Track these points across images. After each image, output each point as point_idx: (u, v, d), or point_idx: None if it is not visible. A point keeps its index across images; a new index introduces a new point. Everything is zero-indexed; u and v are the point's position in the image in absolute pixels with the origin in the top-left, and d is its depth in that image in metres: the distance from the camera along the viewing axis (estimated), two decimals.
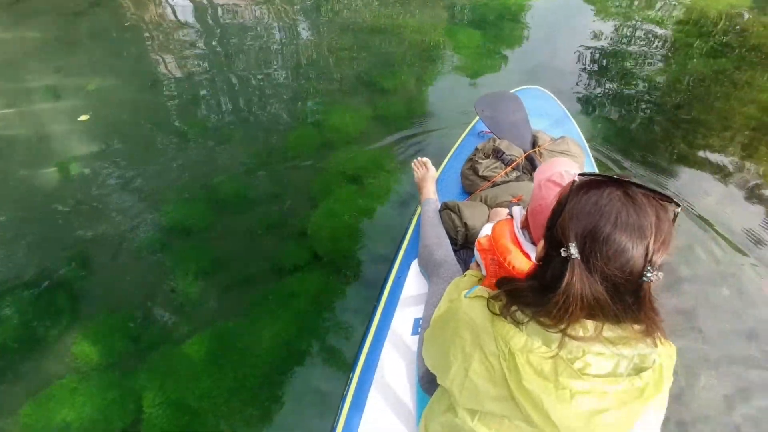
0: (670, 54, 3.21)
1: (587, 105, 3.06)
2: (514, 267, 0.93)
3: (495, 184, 1.70)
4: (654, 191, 0.66)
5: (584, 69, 3.34)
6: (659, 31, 3.48)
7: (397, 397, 1.26)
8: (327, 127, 2.81)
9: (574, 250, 0.64)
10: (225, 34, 3.73)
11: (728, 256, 2.11)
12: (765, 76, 2.88)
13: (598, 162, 2.51)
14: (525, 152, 1.79)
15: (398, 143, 2.72)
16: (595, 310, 0.64)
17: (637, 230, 0.62)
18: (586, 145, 2.15)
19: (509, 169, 1.72)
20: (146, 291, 1.98)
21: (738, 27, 3.30)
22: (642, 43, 3.42)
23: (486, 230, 1.14)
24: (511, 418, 0.72)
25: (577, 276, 0.63)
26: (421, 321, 1.33)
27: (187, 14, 3.96)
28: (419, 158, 1.73)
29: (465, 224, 1.47)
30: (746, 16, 3.35)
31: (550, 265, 0.68)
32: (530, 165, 1.77)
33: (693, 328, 1.84)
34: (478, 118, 2.10)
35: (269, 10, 4.02)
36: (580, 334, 0.66)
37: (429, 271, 1.39)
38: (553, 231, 0.69)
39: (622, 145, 2.72)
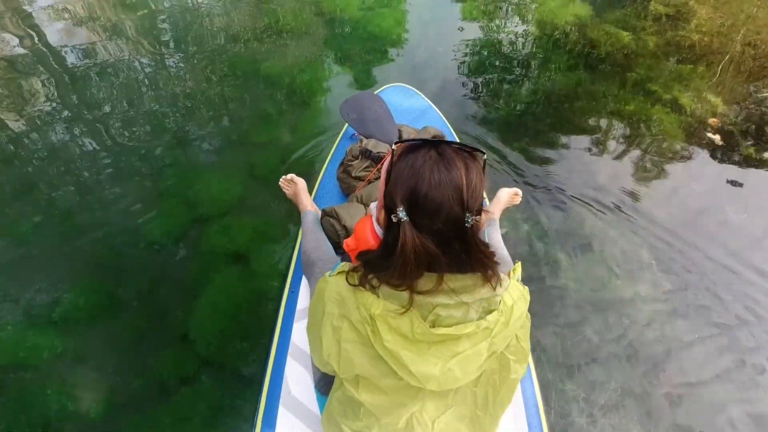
0: (528, 70, 3.40)
1: (452, 97, 3.18)
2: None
3: (369, 182, 1.76)
4: (462, 145, 0.74)
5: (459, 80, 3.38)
6: (519, 47, 3.65)
7: (305, 408, 1.34)
8: (196, 199, 2.47)
9: (402, 214, 0.70)
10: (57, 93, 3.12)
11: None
12: (619, 87, 3.22)
13: (465, 138, 2.76)
14: (392, 146, 1.86)
15: (284, 203, 2.50)
16: (431, 263, 0.70)
17: (450, 184, 0.69)
18: (451, 130, 2.30)
19: (379, 165, 1.78)
20: None
21: (587, 36, 3.63)
22: (503, 56, 3.57)
23: None
24: (384, 376, 0.78)
25: (409, 236, 0.69)
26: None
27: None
28: (284, 176, 1.62)
29: (344, 227, 1.50)
30: (590, 25, 3.71)
31: (390, 231, 0.74)
32: None
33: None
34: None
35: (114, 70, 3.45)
36: (426, 288, 0.72)
37: (308, 274, 1.38)
38: (385, 198, 0.76)
39: (487, 128, 2.94)
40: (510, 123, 2.99)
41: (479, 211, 0.72)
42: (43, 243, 2.28)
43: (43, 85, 3.21)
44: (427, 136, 1.91)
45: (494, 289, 0.75)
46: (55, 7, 4.00)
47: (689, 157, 2.76)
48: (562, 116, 3.00)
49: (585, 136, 2.88)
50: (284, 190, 1.63)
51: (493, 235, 1.46)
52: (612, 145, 2.83)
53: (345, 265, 0.84)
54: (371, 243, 0.91)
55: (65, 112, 2.99)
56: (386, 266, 0.73)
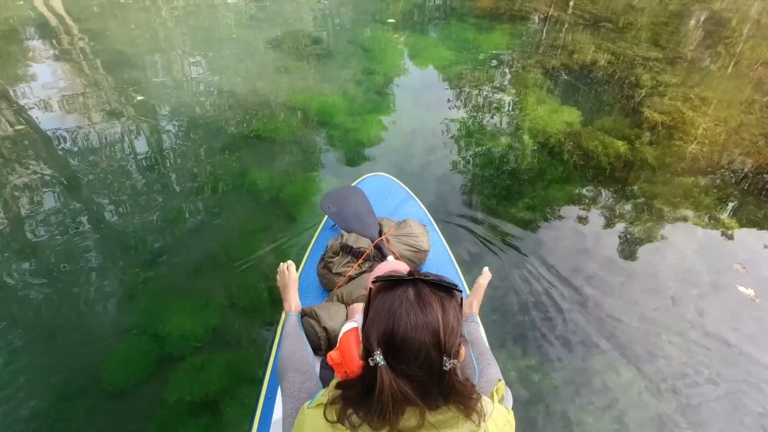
0: (522, 184, 3.30)
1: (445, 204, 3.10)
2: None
3: (350, 279, 1.75)
4: (438, 284, 0.73)
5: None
6: (512, 158, 3.59)
7: None
8: (166, 332, 2.23)
9: (379, 358, 0.69)
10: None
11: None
12: (622, 203, 3.15)
13: (448, 226, 2.80)
14: (373, 242, 1.86)
15: (264, 334, 2.26)
16: (411, 404, 0.69)
17: (426, 327, 0.69)
18: (431, 219, 2.32)
19: (360, 261, 1.79)
20: None
21: (581, 146, 3.58)
22: (494, 167, 3.50)
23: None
24: None
25: (386, 381, 0.68)
26: None
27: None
28: (285, 264, 1.49)
29: (324, 328, 1.47)
30: (583, 134, 3.69)
31: (367, 370, 0.72)
32: (380, 253, 1.84)
33: None
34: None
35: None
36: (409, 424, 0.69)
37: (280, 380, 1.22)
38: (362, 337, 0.76)
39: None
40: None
41: (456, 354, 0.71)
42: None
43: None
44: (408, 230, 1.95)
45: (477, 424, 0.73)
46: (51, 88, 4.10)
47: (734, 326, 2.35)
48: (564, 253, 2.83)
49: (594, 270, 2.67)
50: (278, 277, 1.49)
51: (474, 333, 1.37)
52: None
53: (323, 396, 0.81)
54: (357, 362, 0.86)
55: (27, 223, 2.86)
56: (366, 406, 0.71)
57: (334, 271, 1.80)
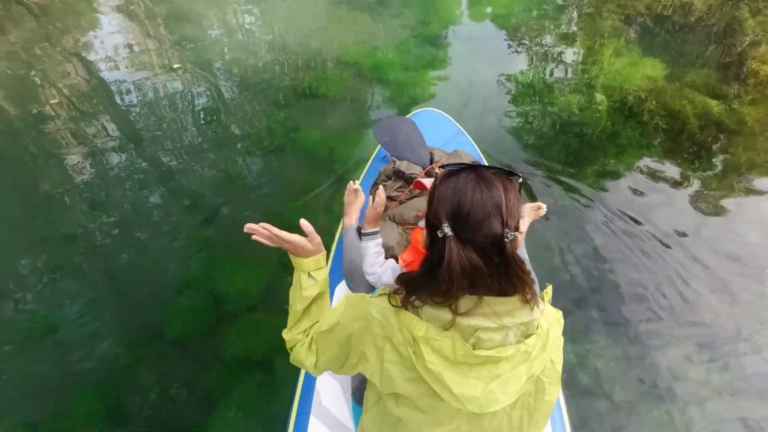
0: (593, 149, 3.04)
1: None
2: None
3: (401, 203, 1.81)
4: (500, 169, 0.78)
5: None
6: (581, 119, 3.26)
7: (335, 420, 1.36)
8: (224, 291, 2.31)
9: (447, 229, 0.74)
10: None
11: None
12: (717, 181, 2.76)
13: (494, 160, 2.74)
14: (424, 169, 1.90)
15: None
16: (474, 278, 0.73)
17: (490, 201, 0.74)
18: (480, 154, 2.32)
19: (412, 187, 1.81)
20: None
21: (666, 106, 3.15)
22: (562, 129, 3.19)
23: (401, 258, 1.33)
24: (424, 396, 0.81)
25: (454, 250, 0.73)
26: None
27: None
28: (353, 183, 1.61)
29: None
30: (668, 91, 3.24)
31: (435, 248, 0.77)
32: None
33: None
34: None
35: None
36: (467, 308, 0.75)
37: (356, 282, 1.45)
38: (429, 218, 0.80)
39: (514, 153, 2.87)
40: None
41: (517, 228, 0.74)
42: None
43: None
44: (458, 159, 1.95)
45: (532, 311, 0.77)
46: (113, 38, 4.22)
47: None
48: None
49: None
50: (346, 194, 1.61)
51: (521, 253, 1.42)
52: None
53: (386, 288, 0.87)
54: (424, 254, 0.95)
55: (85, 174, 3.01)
56: (430, 285, 0.76)
57: (386, 194, 1.82)
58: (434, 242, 0.77)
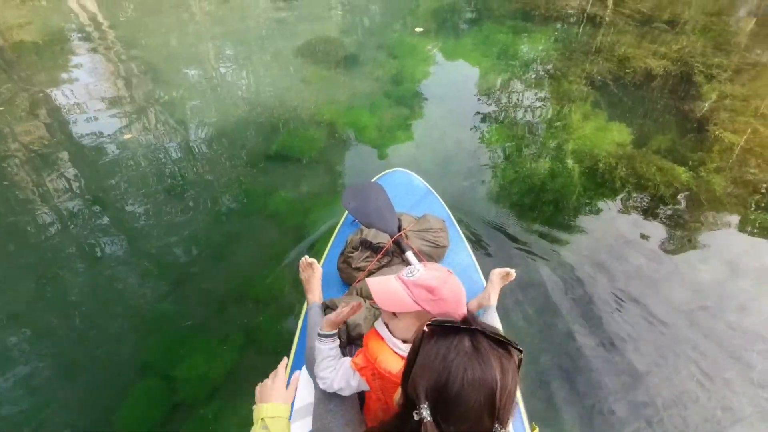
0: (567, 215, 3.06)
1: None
2: (389, 372, 1.00)
3: (370, 273, 1.77)
4: (497, 337, 0.68)
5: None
6: (553, 184, 3.29)
7: None
8: (180, 378, 2.10)
9: (426, 413, 0.65)
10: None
11: None
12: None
13: (464, 224, 2.67)
14: (392, 237, 1.86)
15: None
16: None
17: (483, 386, 0.64)
18: (450, 214, 2.28)
19: (380, 256, 1.81)
20: None
21: (634, 172, 3.18)
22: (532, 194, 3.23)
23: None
24: None
25: None
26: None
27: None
28: (305, 258, 1.58)
29: (344, 322, 1.45)
30: (636, 157, 3.29)
31: (408, 421, 0.68)
32: (398, 248, 1.83)
33: None
34: None
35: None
36: None
37: (310, 370, 1.36)
38: (407, 383, 0.71)
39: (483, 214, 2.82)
40: None
41: (507, 422, 0.65)
42: None
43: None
44: (426, 224, 1.95)
45: None
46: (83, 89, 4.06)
47: None
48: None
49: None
50: (301, 271, 1.57)
51: (493, 323, 1.34)
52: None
53: None
54: (377, 352, 0.93)
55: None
56: None
57: (353, 265, 1.83)
58: (408, 414, 0.67)
